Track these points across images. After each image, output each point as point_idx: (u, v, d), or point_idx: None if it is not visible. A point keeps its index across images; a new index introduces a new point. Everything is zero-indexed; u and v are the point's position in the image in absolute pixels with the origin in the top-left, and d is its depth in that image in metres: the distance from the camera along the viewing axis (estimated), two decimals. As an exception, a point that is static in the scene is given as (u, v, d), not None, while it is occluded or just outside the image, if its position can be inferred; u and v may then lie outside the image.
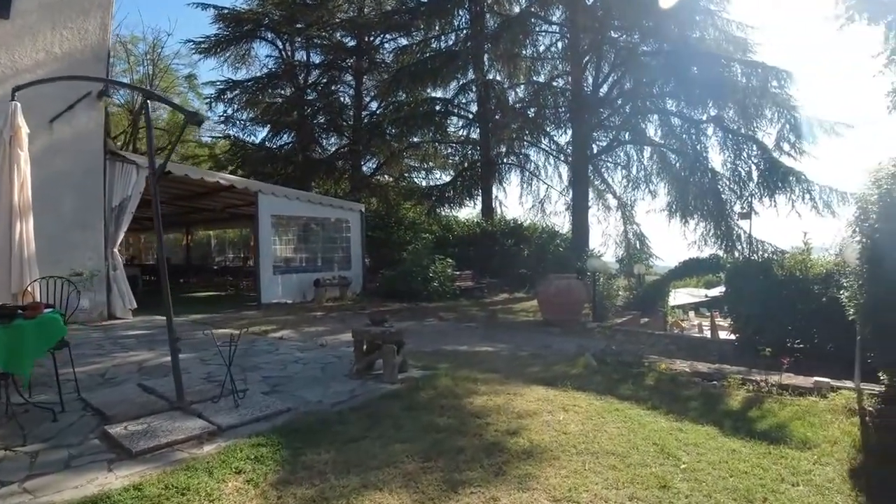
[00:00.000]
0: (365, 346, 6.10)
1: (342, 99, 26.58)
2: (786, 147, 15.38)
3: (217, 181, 14.24)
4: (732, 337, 11.27)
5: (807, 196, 14.49)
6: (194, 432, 4.38)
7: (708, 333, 21.70)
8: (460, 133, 25.11)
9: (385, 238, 21.01)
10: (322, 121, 26.11)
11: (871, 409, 5.50)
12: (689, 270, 15.34)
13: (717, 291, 29.77)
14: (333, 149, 26.78)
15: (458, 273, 16.58)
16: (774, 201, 14.87)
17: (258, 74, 25.71)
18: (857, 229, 5.49)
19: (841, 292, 6.11)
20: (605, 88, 18.55)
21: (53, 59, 10.39)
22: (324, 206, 16.48)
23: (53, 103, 10.25)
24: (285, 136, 26.32)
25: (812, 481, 3.92)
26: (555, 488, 3.57)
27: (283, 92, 26.32)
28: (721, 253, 16.37)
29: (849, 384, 6.26)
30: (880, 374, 5.97)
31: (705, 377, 6.68)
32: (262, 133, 26.22)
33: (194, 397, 5.22)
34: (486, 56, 22.07)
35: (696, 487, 3.69)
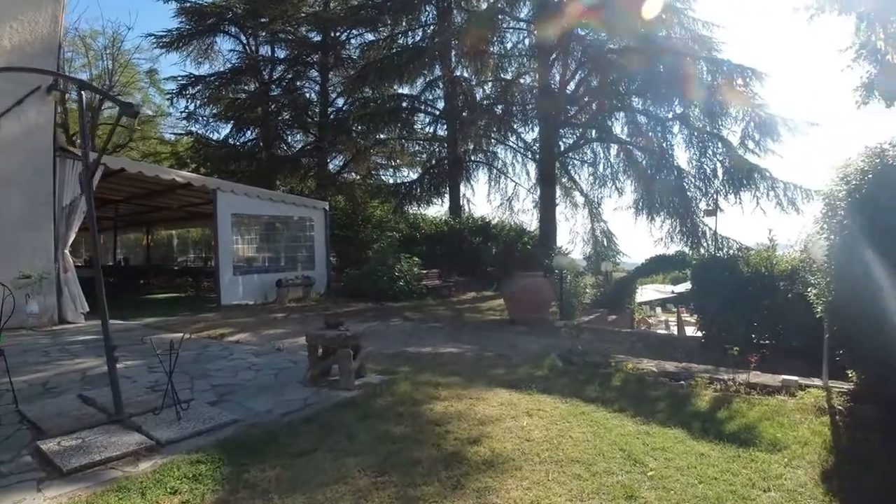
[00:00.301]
0: (320, 351, 5.76)
1: (307, 95, 26.05)
2: (750, 145, 15.51)
3: (173, 178, 13.68)
4: (699, 334, 11.26)
5: (771, 193, 14.65)
6: (131, 448, 4.05)
7: (675, 330, 21.92)
8: (427, 130, 24.84)
9: (352, 237, 20.63)
10: (287, 117, 25.53)
11: (841, 407, 5.41)
12: (656, 267, 15.37)
13: (683, 287, 30.16)
14: (299, 146, 26.23)
15: (424, 272, 16.31)
16: (739, 198, 15.01)
17: (221, 69, 25.04)
18: (824, 226, 5.40)
19: (809, 289, 6.02)
20: (572, 86, 18.49)
21: (2, 51, 9.82)
22: (286, 205, 16.02)
23: (2, 99, 9.69)
24: (249, 132, 25.68)
25: (783, 486, 3.76)
26: (516, 502, 3.33)
27: (246, 87, 25.67)
28: (687, 250, 16.45)
29: (817, 382, 6.18)
30: (849, 372, 5.92)
31: (673, 377, 6.55)
32: (225, 130, 25.56)
33: (135, 409, 4.86)
34: (453, 52, 21.84)
35: (663, 496, 3.49)
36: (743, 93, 14.80)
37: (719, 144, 15.74)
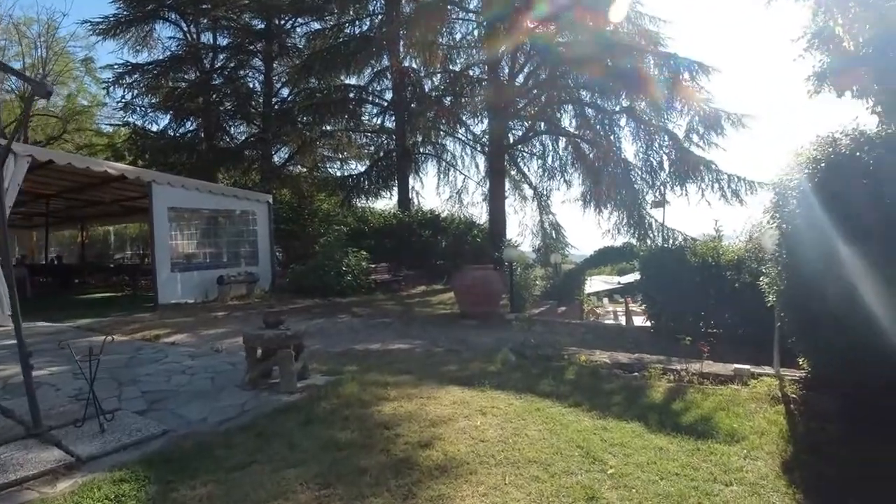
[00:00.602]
0: (259, 353, 5.35)
1: (251, 85, 25.03)
2: (695, 138, 15.83)
3: (105, 170, 12.84)
4: (648, 324, 11.35)
5: (716, 185, 14.97)
6: (49, 465, 3.64)
7: (623, 320, 22.26)
8: (375, 122, 24.35)
9: (298, 231, 20.03)
10: (229, 107, 24.48)
11: (794, 396, 5.41)
12: (604, 259, 15.50)
13: (629, 278, 30.80)
14: (242, 137, 25.26)
15: (373, 266, 15.93)
16: (685, 190, 15.31)
17: (160, 58, 23.80)
18: (775, 215, 5.37)
19: (761, 279, 6.02)
20: (521, 78, 18.44)
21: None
22: (227, 198, 15.31)
23: None
24: (189, 123, 24.54)
25: (745, 479, 3.66)
26: (472, 511, 3.09)
27: (187, 76, 24.48)
28: (635, 241, 16.65)
29: (768, 370, 6.20)
30: (800, 360, 5.95)
31: (626, 368, 6.46)
32: (164, 121, 24.33)
33: (56, 420, 4.39)
34: (401, 43, 21.42)
35: (625, 496, 3.33)
36: (689, 87, 15.05)
37: (665, 137, 16.00)
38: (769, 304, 6.00)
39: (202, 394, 5.29)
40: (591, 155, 18.53)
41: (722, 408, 5.11)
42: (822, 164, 4.89)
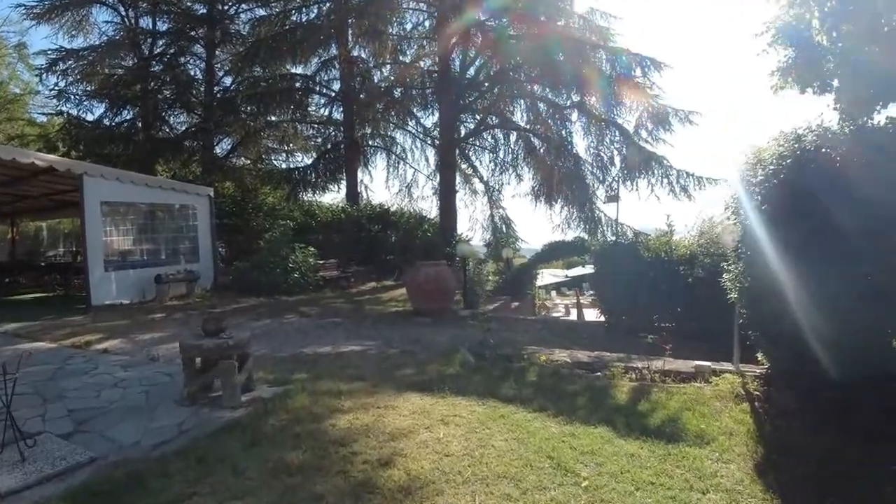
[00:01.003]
0: (198, 364, 4.84)
1: (192, 72, 23.81)
2: (643, 134, 15.96)
3: (32, 162, 11.78)
4: (601, 318, 11.34)
5: (665, 180, 15.15)
6: (-43, 505, 3.13)
7: (574, 313, 22.42)
8: (322, 112, 23.61)
9: (242, 226, 19.19)
10: (168, 95, 23.22)
11: (757, 393, 5.36)
12: (556, 253, 15.49)
13: (577, 272, 31.21)
14: (183, 128, 24.04)
15: (321, 262, 15.37)
16: (636, 185, 15.42)
17: (97, 43, 22.34)
18: (740, 210, 5.28)
19: (724, 276, 5.95)
20: (472, 71, 18.18)
21: None
22: (165, 191, 14.42)
23: None
24: (127, 112, 23.13)
25: (721, 485, 3.52)
26: (441, 540, 2.79)
27: (124, 63, 23.08)
28: (585, 235, 16.72)
29: (728, 366, 6.17)
30: (759, 356, 5.92)
31: (587, 367, 6.31)
32: (100, 109, 22.86)
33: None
34: (350, 32, 20.81)
35: (603, 512, 3.11)
36: (639, 83, 15.13)
37: (616, 133, 16.08)
38: (730, 301, 5.95)
39: (136, 411, 4.75)
40: (541, 150, 18.50)
41: (688, 407, 5.00)
42: (789, 161, 4.81)
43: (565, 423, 4.49)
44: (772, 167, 4.93)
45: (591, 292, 30.81)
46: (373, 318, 10.39)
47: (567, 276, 37.02)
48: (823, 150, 4.77)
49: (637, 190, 15.36)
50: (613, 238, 16.56)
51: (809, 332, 4.69)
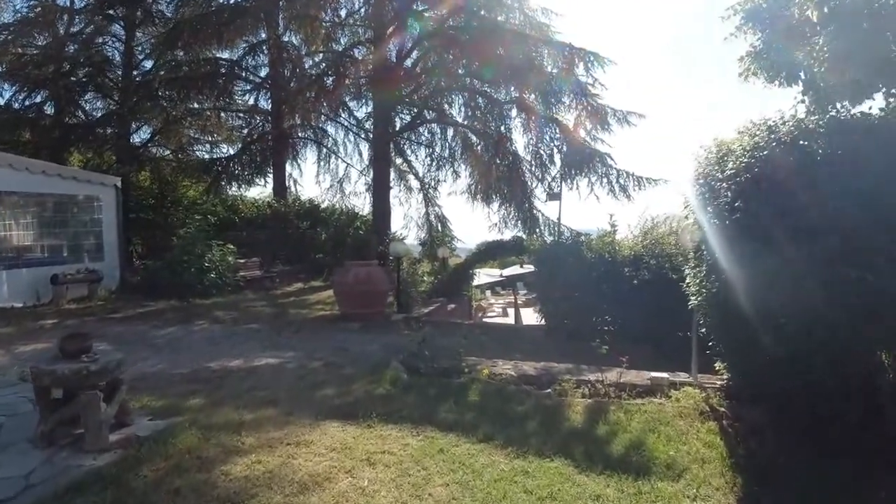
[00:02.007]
0: (56, 394, 3.64)
1: (110, 55, 21.73)
2: (581, 133, 15.53)
3: None
4: (541, 321, 10.75)
5: (605, 180, 14.73)
6: None
7: (510, 313, 21.95)
8: (248, 100, 22.08)
9: (160, 221, 17.61)
10: (83, 78, 21.08)
11: (722, 409, 4.82)
12: (493, 253, 14.86)
13: (512, 271, 30.92)
14: (99, 114, 21.89)
15: (242, 261, 14.11)
16: (576, 184, 14.96)
17: (9, 20, 20.06)
18: (708, 209, 4.69)
19: (687, 280, 5.39)
20: (409, 62, 17.28)
21: None
22: (65, 180, 12.76)
23: None
24: (37, 95, 20.85)
25: (707, 538, 2.86)
26: None
27: (37, 42, 20.79)
28: (524, 235, 16.21)
29: (683, 376, 5.65)
30: (717, 365, 5.42)
31: (535, 382, 5.62)
32: (8, 92, 20.50)
33: None
34: (280, 16, 19.47)
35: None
36: (582, 80, 14.63)
37: (557, 130, 15.55)
38: (690, 307, 5.40)
39: (-27, 452, 3.62)
40: (479, 146, 17.82)
41: (651, 429, 4.41)
42: (764, 152, 4.26)
43: (516, 457, 3.76)
44: (744, 160, 4.37)
45: (525, 291, 30.62)
46: (296, 324, 9.36)
47: (502, 276, 36.80)
48: (802, 142, 4.26)
49: (577, 189, 14.95)
50: (552, 238, 16.19)
51: (788, 342, 4.17)
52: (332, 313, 10.51)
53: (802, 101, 5.32)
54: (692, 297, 5.30)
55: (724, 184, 4.61)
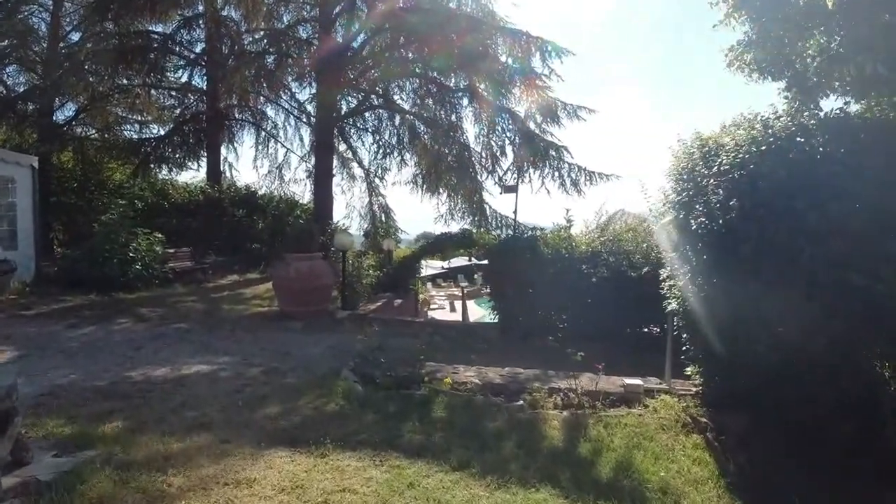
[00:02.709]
0: None
1: (35, 25, 19.66)
2: (531, 125, 15.15)
3: None
4: (493, 319, 10.29)
5: (556, 174, 14.38)
6: None
7: (457, 307, 21.54)
8: (182, 77, 20.56)
9: (82, 205, 16.10)
10: (7, 50, 18.98)
11: (704, 420, 4.49)
12: (442, 246, 14.28)
13: (458, 262, 30.60)
14: (21, 88, 19.85)
15: (172, 251, 12.98)
16: (529, 177, 14.55)
17: None
18: (695, 206, 4.31)
19: (664, 282, 5.03)
20: (356, 44, 16.41)
21: None
22: (-29, 159, 11.34)
23: None
24: (-48, 67, 18.70)
25: None
26: None
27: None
28: (472, 228, 15.79)
29: (655, 381, 5.33)
30: (689, 370, 5.12)
31: (503, 392, 5.15)
32: None
33: None
34: (219, -13, 18.14)
35: None
36: (536, 70, 14.17)
37: (510, 120, 15.08)
38: (668, 310, 5.06)
39: None
40: (425, 136, 17.16)
41: (636, 445, 4.04)
42: (763, 148, 3.93)
43: (497, 488, 3.27)
44: (739, 156, 4.02)
45: (466, 284, 30.32)
46: (231, 323, 8.53)
47: (444, 268, 36.43)
48: (799, 138, 3.95)
49: (530, 182, 14.56)
50: (499, 231, 15.83)
51: (783, 351, 3.87)
52: (271, 310, 9.73)
53: (786, 97, 5.05)
54: (671, 301, 4.96)
55: (712, 181, 4.26)
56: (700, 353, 4.80)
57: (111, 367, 5.61)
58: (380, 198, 19.95)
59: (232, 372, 5.53)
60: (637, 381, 5.22)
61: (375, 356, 5.53)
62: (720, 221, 4.02)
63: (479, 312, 21.36)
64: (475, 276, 27.80)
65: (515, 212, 9.95)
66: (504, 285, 9.60)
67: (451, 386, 5.07)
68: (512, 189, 10.33)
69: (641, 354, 6.76)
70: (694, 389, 5.13)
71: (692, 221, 4.36)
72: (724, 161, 4.13)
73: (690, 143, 4.77)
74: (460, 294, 26.02)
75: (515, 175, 13.94)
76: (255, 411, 4.25)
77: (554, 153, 14.25)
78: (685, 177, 4.66)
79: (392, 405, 4.49)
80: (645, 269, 8.06)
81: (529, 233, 10.37)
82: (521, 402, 4.84)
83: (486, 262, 10.98)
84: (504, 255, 9.65)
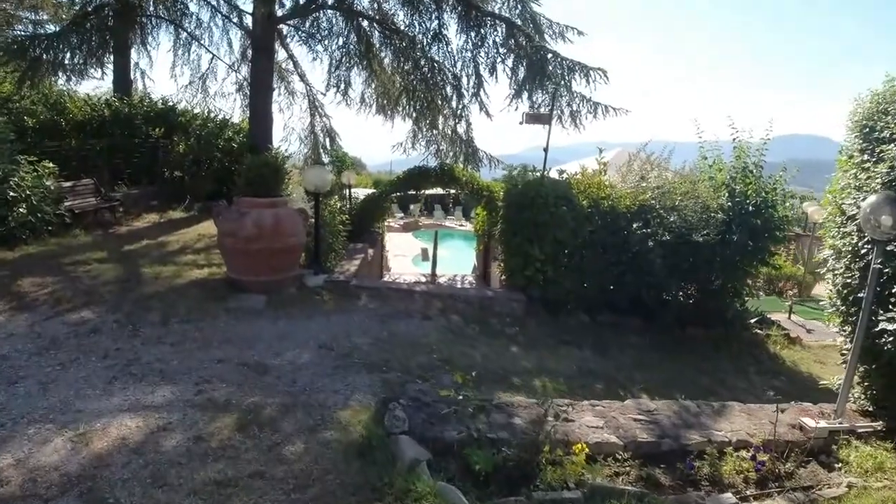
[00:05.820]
0: None
1: None
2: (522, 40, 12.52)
3: None
4: (514, 289, 7.96)
5: (555, 103, 11.47)
6: None
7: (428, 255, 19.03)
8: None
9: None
10: None
11: None
12: (416, 182, 11.87)
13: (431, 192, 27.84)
14: None
15: (69, 184, 9.75)
16: (522, 102, 11.92)
17: None
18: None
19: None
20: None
21: None
22: None
23: None
24: None
25: None
26: None
27: None
28: (444, 160, 13.39)
29: (815, 411, 3.49)
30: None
31: (659, 458, 3.14)
32: None
33: None
34: None
35: None
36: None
37: (502, 33, 12.18)
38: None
39: None
40: (391, 48, 14.12)
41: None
42: None
43: None
44: None
45: (453, 217, 27.42)
46: (162, 303, 5.80)
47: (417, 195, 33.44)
48: None
49: (517, 110, 11.98)
50: (483, 167, 13.54)
51: None
52: (214, 275, 7.03)
53: None
54: None
55: None
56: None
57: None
58: (324, 119, 16.90)
59: (183, 431, 3.13)
60: (821, 424, 3.36)
61: (475, 418, 3.26)
62: None
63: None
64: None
65: (546, 149, 7.59)
66: (527, 246, 7.40)
67: (587, 455, 2.95)
68: (541, 119, 7.96)
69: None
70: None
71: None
72: None
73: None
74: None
75: (534, 100, 11.14)
76: None
77: (558, 65, 11.37)
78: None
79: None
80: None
81: (564, 176, 8.08)
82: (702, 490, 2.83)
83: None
84: (526, 207, 7.38)
